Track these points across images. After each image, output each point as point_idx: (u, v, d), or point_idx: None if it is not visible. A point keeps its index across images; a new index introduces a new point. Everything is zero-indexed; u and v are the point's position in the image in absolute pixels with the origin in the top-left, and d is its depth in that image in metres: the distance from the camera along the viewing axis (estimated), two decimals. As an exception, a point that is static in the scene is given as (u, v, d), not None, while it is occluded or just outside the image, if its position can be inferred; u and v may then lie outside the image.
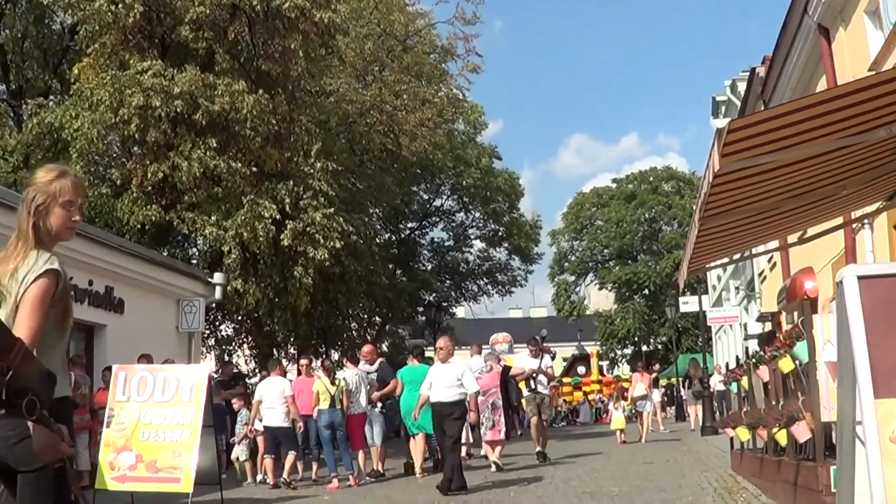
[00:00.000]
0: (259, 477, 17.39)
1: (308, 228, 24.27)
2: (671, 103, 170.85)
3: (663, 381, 46.55)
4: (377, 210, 40.11)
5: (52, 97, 29.03)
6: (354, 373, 17.46)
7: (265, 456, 16.91)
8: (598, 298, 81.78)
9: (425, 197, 50.42)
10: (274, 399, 16.69)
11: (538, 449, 19.07)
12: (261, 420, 17.14)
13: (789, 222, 11.02)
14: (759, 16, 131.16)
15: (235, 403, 19.31)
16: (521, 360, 22.01)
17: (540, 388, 19.71)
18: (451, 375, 14.09)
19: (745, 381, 13.42)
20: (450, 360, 14.68)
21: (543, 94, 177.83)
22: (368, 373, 17.88)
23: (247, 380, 28.67)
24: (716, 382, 29.36)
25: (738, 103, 29.21)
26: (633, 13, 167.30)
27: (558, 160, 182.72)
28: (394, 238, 47.79)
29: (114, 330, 18.82)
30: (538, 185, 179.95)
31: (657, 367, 54.46)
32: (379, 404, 17.60)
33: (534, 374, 19.68)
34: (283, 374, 18.08)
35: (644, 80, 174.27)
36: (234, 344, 36.70)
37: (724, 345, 46.26)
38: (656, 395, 30.96)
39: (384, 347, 40.79)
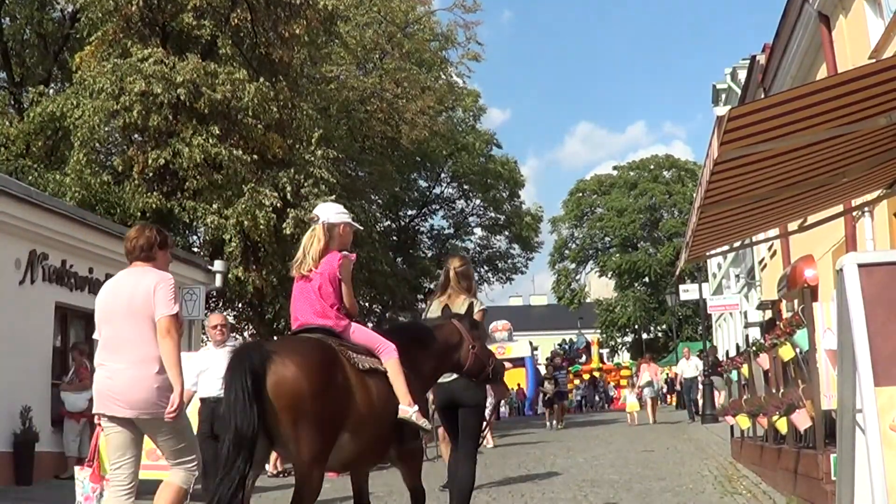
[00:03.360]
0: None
1: (309, 216, 24.21)
2: (679, 92, 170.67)
3: (664, 369, 46.66)
4: (378, 198, 40.05)
5: (52, 85, 28.98)
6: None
7: None
8: (599, 286, 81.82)
9: (425, 184, 50.35)
10: None
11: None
12: None
13: (789, 210, 11.02)
14: (760, 3, 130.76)
15: None
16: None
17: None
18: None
19: (745, 369, 13.45)
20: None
21: (551, 83, 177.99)
22: None
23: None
24: (684, 369, 29.68)
25: (739, 91, 29.16)
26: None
27: (564, 149, 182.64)
28: (394, 226, 47.71)
29: (114, 318, 18.82)
30: (543, 174, 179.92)
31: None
32: None
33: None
34: None
35: (652, 69, 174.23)
36: (235, 332, 36.71)
37: (725, 333, 46.26)
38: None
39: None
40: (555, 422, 29.77)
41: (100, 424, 7.05)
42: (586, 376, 56.54)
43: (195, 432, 7.85)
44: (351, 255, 6.86)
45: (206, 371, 12.01)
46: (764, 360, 11.36)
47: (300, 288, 6.76)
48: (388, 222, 46.61)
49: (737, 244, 17.25)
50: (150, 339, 6.61)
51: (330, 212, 7.00)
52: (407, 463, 7.03)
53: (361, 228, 8.92)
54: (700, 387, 27.78)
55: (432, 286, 45.23)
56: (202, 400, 12.12)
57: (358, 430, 6.14)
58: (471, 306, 7.87)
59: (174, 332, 6.64)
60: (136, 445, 6.85)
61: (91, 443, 8.97)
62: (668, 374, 46.23)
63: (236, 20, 24.69)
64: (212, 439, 10.96)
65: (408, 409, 6.45)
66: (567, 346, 61.99)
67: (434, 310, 8.16)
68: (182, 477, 6.82)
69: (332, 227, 6.84)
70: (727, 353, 23.75)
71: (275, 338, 32.00)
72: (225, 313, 34.55)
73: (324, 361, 6.02)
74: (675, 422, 28.68)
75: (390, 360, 6.50)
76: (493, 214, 51.81)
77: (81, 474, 8.48)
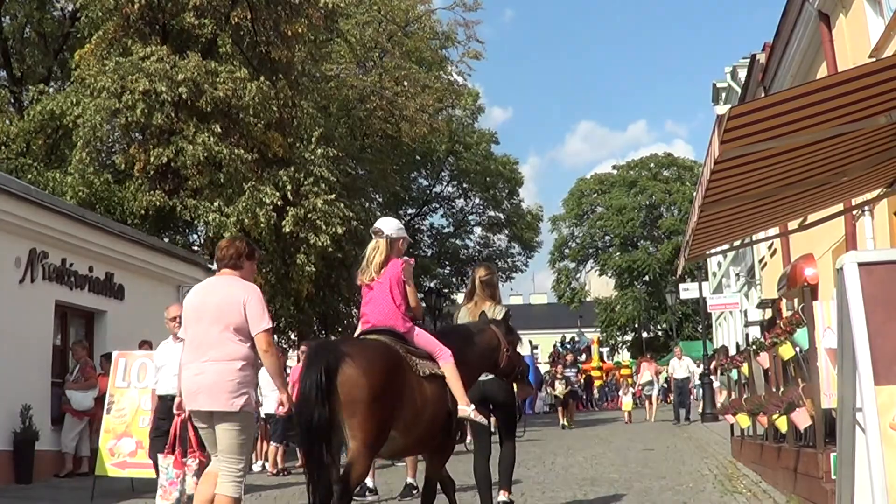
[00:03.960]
0: (258, 464, 17.44)
1: (309, 215, 24.25)
2: (680, 90, 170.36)
3: (663, 368, 46.56)
4: (378, 196, 40.06)
5: (52, 84, 28.98)
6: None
7: (273, 444, 16.89)
8: (599, 285, 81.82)
9: (425, 183, 50.40)
10: (267, 386, 16.50)
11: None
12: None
13: (789, 209, 11.02)
14: (761, 2, 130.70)
15: None
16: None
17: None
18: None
19: (745, 368, 13.45)
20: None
21: (553, 81, 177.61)
22: None
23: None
24: (674, 367, 29.09)
25: (739, 90, 29.15)
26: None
27: (565, 147, 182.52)
28: (394, 224, 47.72)
29: (114, 316, 18.81)
30: (545, 172, 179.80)
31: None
32: None
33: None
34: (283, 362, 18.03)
35: (653, 68, 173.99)
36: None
37: (725, 331, 46.28)
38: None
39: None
40: (566, 421, 29.51)
41: (188, 417, 7.87)
42: (583, 376, 56.47)
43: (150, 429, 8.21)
44: (410, 259, 7.78)
45: (165, 367, 11.68)
46: (764, 359, 11.37)
47: (367, 294, 7.63)
48: (389, 221, 46.57)
49: (737, 243, 17.28)
50: (233, 342, 7.24)
51: (392, 227, 7.79)
52: (438, 455, 7.81)
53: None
54: (694, 388, 27.62)
55: (432, 284, 45.36)
56: (160, 397, 11.87)
57: (409, 429, 7.00)
58: (506, 314, 8.90)
59: (273, 346, 7.47)
60: None
61: (169, 434, 9.66)
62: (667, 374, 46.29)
63: (237, 19, 24.71)
64: (165, 436, 10.84)
65: (466, 409, 7.36)
66: (570, 345, 61.71)
67: (462, 316, 9.30)
68: (231, 489, 7.28)
69: (394, 241, 7.74)
70: (727, 351, 23.71)
71: (275, 337, 32.06)
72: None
73: (388, 367, 6.84)
74: (673, 419, 28.68)
75: (447, 364, 7.35)
76: (492, 213, 51.86)
77: (165, 462, 9.21)
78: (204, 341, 7.27)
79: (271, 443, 16.93)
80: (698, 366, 31.20)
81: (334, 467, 6.57)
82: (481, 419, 7.66)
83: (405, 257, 7.75)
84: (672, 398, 30.32)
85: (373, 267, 7.57)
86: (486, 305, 9.05)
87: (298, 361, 19.05)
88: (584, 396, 53.85)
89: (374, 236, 7.76)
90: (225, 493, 7.21)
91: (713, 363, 26.00)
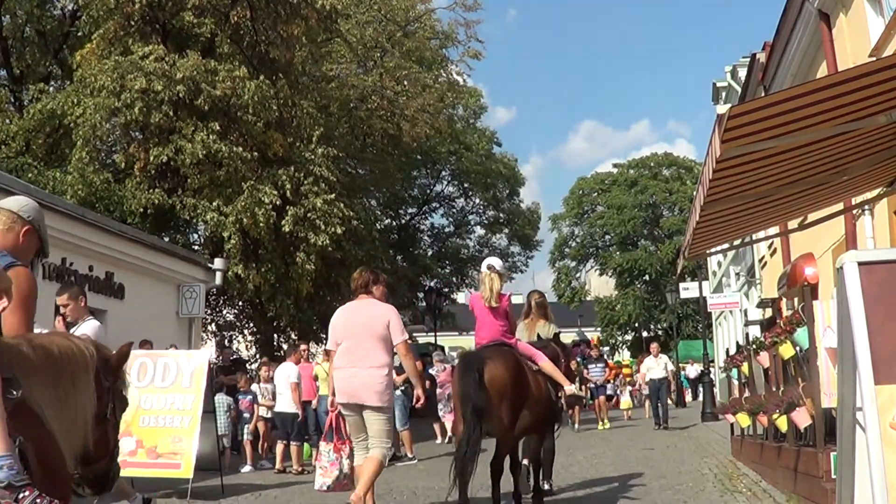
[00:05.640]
0: (258, 462, 17.47)
1: (309, 214, 24.28)
2: (683, 89, 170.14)
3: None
4: (378, 195, 40.08)
5: (52, 83, 29.01)
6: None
7: (278, 441, 16.99)
8: (599, 284, 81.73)
9: (425, 182, 50.34)
10: (283, 385, 16.89)
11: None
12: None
13: (790, 208, 11.02)
14: (761, 0, 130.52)
15: (242, 386, 19.38)
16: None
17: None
18: None
19: (745, 367, 13.44)
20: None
21: (556, 81, 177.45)
22: None
23: (247, 365, 28.67)
24: (650, 367, 26.21)
25: (739, 89, 29.12)
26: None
27: (568, 147, 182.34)
28: (394, 224, 47.73)
29: (114, 315, 18.79)
30: (547, 172, 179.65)
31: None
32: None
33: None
34: (298, 360, 18.09)
35: (656, 67, 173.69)
36: (235, 329, 36.69)
37: (725, 331, 46.23)
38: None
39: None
40: (599, 422, 26.37)
41: (339, 411, 9.65)
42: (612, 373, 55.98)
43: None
44: (513, 295, 10.47)
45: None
46: (764, 359, 11.37)
47: (489, 314, 9.93)
48: (389, 220, 46.64)
49: (737, 242, 17.25)
50: (380, 351, 9.23)
51: (500, 265, 10.29)
52: (541, 433, 10.59)
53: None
54: (673, 393, 25.94)
55: (432, 284, 45.38)
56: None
57: (532, 407, 9.69)
58: (557, 333, 11.72)
59: (411, 352, 9.80)
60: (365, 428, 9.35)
61: (325, 424, 11.16)
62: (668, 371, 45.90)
63: (236, 18, 24.76)
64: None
65: (570, 387, 10.73)
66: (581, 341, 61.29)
67: (521, 329, 11.56)
68: (381, 452, 9.17)
69: (502, 275, 10.25)
70: (727, 350, 23.29)
71: (275, 336, 32.14)
72: (224, 311, 34.75)
73: (516, 365, 9.55)
74: (673, 418, 28.66)
75: (544, 361, 10.18)
76: (493, 213, 51.81)
77: (326, 447, 10.64)
78: (356, 351, 9.20)
79: (279, 441, 17.01)
80: (655, 354, 29.37)
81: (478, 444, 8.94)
82: (581, 393, 10.96)
83: (511, 292, 10.45)
84: (649, 401, 27.75)
85: (493, 295, 9.89)
86: (539, 323, 11.87)
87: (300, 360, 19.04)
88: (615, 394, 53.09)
89: (488, 270, 10.06)
90: (376, 455, 9.12)
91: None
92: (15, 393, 3.62)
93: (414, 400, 9.93)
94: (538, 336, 11.46)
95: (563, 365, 10.72)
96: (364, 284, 9.60)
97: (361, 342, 9.21)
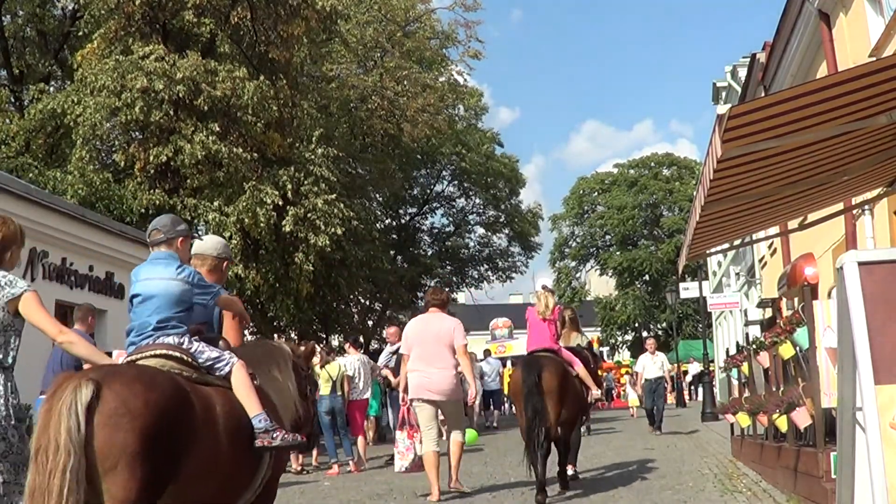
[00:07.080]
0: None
1: (309, 214, 24.30)
2: (685, 90, 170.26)
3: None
4: (378, 195, 40.08)
5: (52, 83, 29.01)
6: (356, 358, 17.51)
7: None
8: (599, 284, 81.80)
9: (426, 182, 50.32)
10: None
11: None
12: None
13: (790, 208, 11.02)
14: (761, 0, 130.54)
15: None
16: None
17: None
18: None
19: (745, 367, 13.44)
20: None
21: (559, 81, 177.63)
22: (393, 353, 17.77)
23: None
24: (646, 366, 24.80)
25: (739, 89, 29.10)
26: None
27: (570, 147, 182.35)
28: (394, 224, 47.75)
29: (114, 315, 18.80)
30: (550, 172, 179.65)
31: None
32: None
33: None
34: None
35: (658, 67, 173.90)
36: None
37: (725, 331, 46.22)
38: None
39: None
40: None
41: (410, 405, 12.31)
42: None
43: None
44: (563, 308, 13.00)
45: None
46: (764, 359, 11.36)
47: (542, 323, 11.64)
48: (389, 220, 46.66)
49: (737, 242, 17.24)
50: (449, 355, 11.50)
51: (551, 284, 12.27)
52: (573, 425, 12.14)
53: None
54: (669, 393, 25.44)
55: (432, 283, 45.37)
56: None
57: (570, 405, 11.28)
58: (590, 343, 14.26)
59: (468, 354, 11.96)
60: (436, 417, 11.73)
61: (398, 416, 13.59)
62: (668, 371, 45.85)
63: (236, 18, 24.77)
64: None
65: (597, 392, 12.56)
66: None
67: None
68: (460, 434, 11.68)
69: (553, 293, 12.20)
70: (727, 350, 22.96)
71: (275, 336, 32.11)
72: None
73: (563, 371, 11.22)
74: (675, 417, 28.67)
75: (580, 367, 11.83)
76: (493, 213, 51.78)
77: (401, 435, 13.26)
78: (430, 356, 11.44)
79: None
80: (651, 350, 28.25)
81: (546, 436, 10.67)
82: (599, 394, 12.98)
83: (561, 305, 12.78)
84: (644, 401, 26.58)
85: (548, 310, 11.58)
86: (573, 335, 13.72)
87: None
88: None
89: (543, 290, 11.98)
90: (457, 438, 11.69)
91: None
92: (256, 381, 5.53)
93: (469, 398, 12.82)
94: (577, 345, 13.36)
95: (592, 369, 12.53)
96: (441, 302, 12.10)
97: (433, 348, 11.48)
